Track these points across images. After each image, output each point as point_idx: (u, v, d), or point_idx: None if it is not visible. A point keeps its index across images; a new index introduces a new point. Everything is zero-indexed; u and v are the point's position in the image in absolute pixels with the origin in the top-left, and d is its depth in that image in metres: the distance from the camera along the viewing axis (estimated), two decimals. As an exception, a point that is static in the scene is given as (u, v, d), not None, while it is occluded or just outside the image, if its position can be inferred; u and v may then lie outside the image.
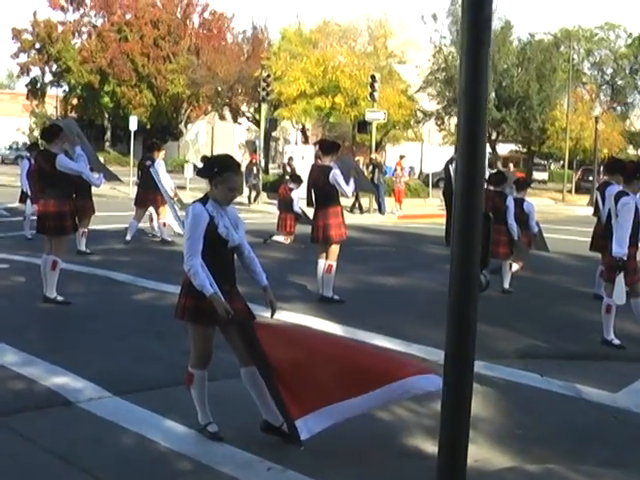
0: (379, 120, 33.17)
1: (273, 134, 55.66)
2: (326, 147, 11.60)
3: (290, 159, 32.52)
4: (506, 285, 13.03)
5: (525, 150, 69.55)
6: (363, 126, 34.62)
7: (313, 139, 65.15)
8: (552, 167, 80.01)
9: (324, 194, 11.34)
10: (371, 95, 32.14)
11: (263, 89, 32.45)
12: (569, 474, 5.74)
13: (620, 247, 9.32)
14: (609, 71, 68.73)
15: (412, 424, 6.71)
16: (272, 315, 6.27)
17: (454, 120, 56.92)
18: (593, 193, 45.25)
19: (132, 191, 30.09)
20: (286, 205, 18.60)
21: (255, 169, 31.80)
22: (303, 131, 58.07)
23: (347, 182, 11.31)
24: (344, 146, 68.62)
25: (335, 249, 11.45)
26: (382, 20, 50.77)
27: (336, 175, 11.14)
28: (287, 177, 31.27)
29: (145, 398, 6.94)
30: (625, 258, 9.36)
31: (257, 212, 28.23)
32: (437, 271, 15.27)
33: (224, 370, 6.93)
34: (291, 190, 18.95)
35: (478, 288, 4.05)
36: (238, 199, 23.69)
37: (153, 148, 17.27)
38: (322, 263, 11.43)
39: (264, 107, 34.94)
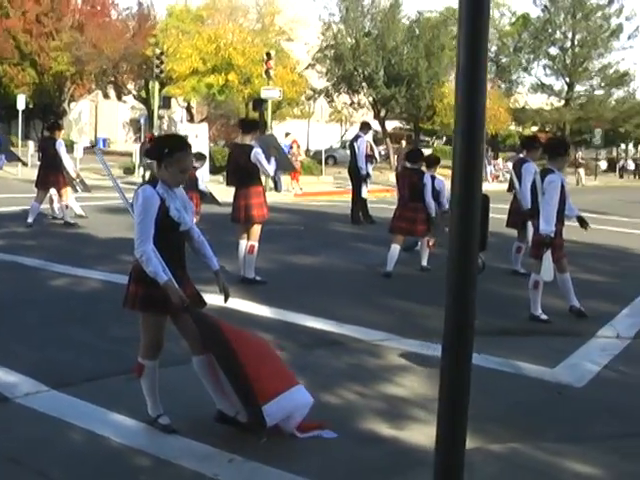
0: (274, 98, 32.92)
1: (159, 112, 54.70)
2: (247, 126, 11.36)
3: (185, 137, 31.94)
4: (424, 262, 13.05)
5: (408, 127, 70.38)
6: (258, 104, 34.33)
7: (198, 117, 64.44)
8: (435, 144, 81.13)
9: (246, 173, 11.09)
10: (266, 72, 31.83)
11: (157, 66, 31.80)
12: (534, 452, 5.71)
13: (547, 224, 9.39)
14: (493, 49, 69.94)
15: (362, 408, 6.58)
16: (225, 300, 6.04)
17: (343, 97, 57.15)
18: (481, 169, 46.22)
19: (20, 172, 29.23)
20: (191, 184, 18.14)
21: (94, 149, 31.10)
22: (188, 109, 57.32)
23: (268, 161, 11.09)
24: (229, 124, 68.30)
25: (257, 229, 11.24)
26: (271, -3, 50.41)
27: (257, 154, 10.91)
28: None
29: (85, 391, 6.60)
30: (552, 235, 9.44)
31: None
32: (349, 249, 15.27)
33: (165, 358, 6.63)
34: (195, 169, 18.48)
35: (476, 271, 3.90)
36: (133, 179, 23.52)
37: (54, 128, 16.66)
38: (243, 244, 11.20)
39: (157, 85, 34.23)
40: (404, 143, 43.81)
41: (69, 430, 5.79)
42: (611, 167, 77.53)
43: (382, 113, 57.48)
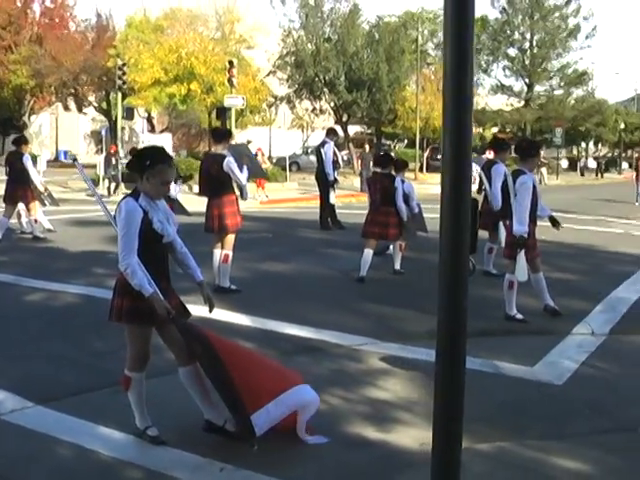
0: (238, 106, 32.90)
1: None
2: (219, 135, 11.35)
3: (132, 149, 31.79)
4: (397, 266, 13.11)
5: (369, 131, 70.61)
6: (222, 112, 34.28)
7: (159, 127, 64.24)
8: (397, 147, 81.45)
9: (218, 183, 11.08)
10: (229, 81, 31.84)
11: (119, 77, 31.66)
12: (521, 450, 5.79)
13: (521, 225, 9.50)
14: (452, 51, 70.44)
15: (347, 412, 6.62)
16: (210, 310, 6.05)
17: (305, 104, 57.26)
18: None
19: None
20: (161, 195, 18.15)
21: (114, 160, 31.00)
22: (149, 119, 57.13)
23: (241, 170, 11.11)
24: (190, 134, 68.18)
25: (231, 238, 11.24)
26: (229, 5, 50.32)
27: (230, 163, 10.92)
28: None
29: (70, 405, 6.58)
30: (526, 236, 9.54)
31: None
32: (320, 255, 15.31)
33: (149, 370, 6.62)
34: (165, 181, 18.49)
35: (468, 274, 3.95)
36: (97, 191, 23.28)
37: (21, 142, 16.52)
38: (218, 253, 11.21)
39: (119, 96, 34.05)
40: (367, 148, 43.99)
41: (57, 445, 5.77)
42: (572, 166, 78.30)
43: (344, 118, 57.62)
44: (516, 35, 66.95)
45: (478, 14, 67.62)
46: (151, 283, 5.49)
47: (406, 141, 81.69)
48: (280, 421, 5.79)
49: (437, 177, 45.50)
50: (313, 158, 57.02)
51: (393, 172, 12.81)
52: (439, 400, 3.99)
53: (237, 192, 11.53)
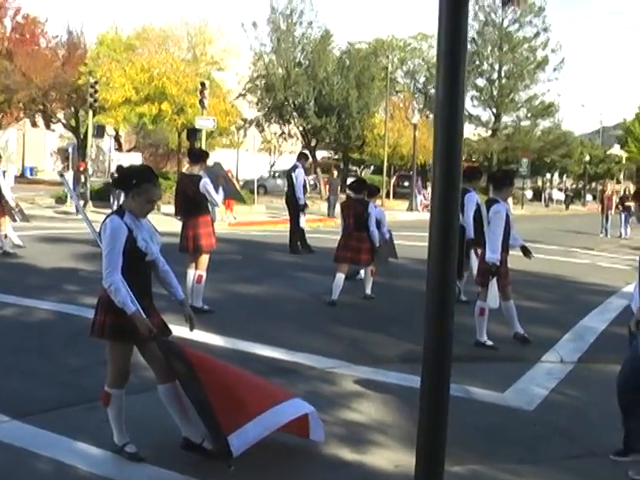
0: (209, 127, 32.98)
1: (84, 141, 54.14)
2: (195, 156, 11.42)
3: (118, 167, 31.67)
4: (368, 291, 13.20)
5: (336, 157, 70.92)
6: (193, 133, 34.35)
7: (126, 146, 64.17)
8: (364, 174, 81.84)
9: (194, 203, 11.14)
10: (201, 102, 31.92)
11: (91, 95, 31.63)
12: (495, 473, 5.92)
13: (493, 253, 9.64)
14: (422, 79, 71.18)
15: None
16: (191, 329, 6.10)
17: (273, 127, 57.43)
18: (412, 198, 46.88)
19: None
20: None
21: (83, 177, 30.88)
22: (117, 138, 57.04)
23: (217, 191, 11.18)
24: (157, 153, 68.16)
25: (205, 259, 11.29)
26: (201, 27, 50.44)
27: (206, 184, 10.99)
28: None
29: (47, 420, 6.59)
30: (498, 264, 9.68)
31: (86, 222, 27.31)
32: (291, 278, 15.36)
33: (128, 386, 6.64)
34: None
35: (454, 299, 4.05)
36: (65, 208, 23.20)
37: (-7, 157, 16.48)
38: (192, 273, 11.25)
39: (90, 114, 33.97)
40: (335, 173, 44.18)
41: (35, 461, 5.78)
42: (536, 196, 79.08)
43: (312, 143, 57.84)
44: (485, 66, 67.78)
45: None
46: (134, 301, 5.54)
47: (372, 167, 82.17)
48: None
49: (403, 204, 45.78)
50: (280, 182, 57.72)
51: (366, 198, 12.93)
52: (423, 424, 4.08)
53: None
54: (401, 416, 7.32)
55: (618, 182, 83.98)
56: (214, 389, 5.65)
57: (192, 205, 11.16)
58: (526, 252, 10.65)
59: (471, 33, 66.89)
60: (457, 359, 9.41)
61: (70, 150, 52.22)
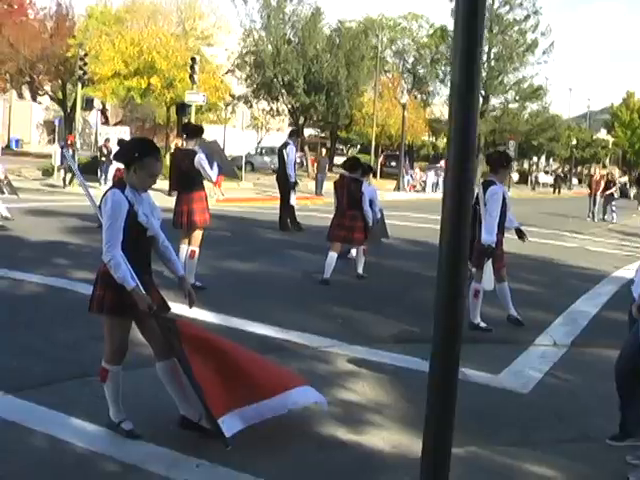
0: (198, 102, 32.79)
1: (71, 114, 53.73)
2: (191, 131, 11.31)
3: (107, 140, 31.57)
4: (360, 270, 13.16)
5: (323, 135, 70.77)
6: (182, 108, 34.17)
7: (113, 120, 63.74)
8: (350, 152, 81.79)
9: (189, 179, 11.05)
10: (191, 77, 31.74)
11: (80, 68, 31.38)
12: (493, 456, 5.90)
13: (489, 234, 9.59)
14: (411, 60, 70.94)
15: (319, 413, 6.61)
16: (190, 305, 6.04)
17: (262, 104, 57.21)
18: (399, 178, 46.83)
19: None
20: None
21: (71, 150, 30.67)
22: (103, 111, 56.63)
23: (211, 167, 11.09)
24: (144, 127, 67.81)
25: (198, 235, 11.22)
26: (192, 1, 50.11)
27: (201, 159, 10.89)
28: (103, 158, 30.44)
29: (40, 395, 6.50)
30: (494, 245, 9.65)
31: (73, 194, 27.18)
32: (282, 256, 15.32)
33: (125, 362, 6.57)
34: (120, 170, 18.30)
35: (465, 283, 4.00)
36: (52, 181, 23.08)
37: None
38: (185, 248, 11.18)
39: (79, 86, 33.68)
40: (324, 152, 44.13)
41: (29, 436, 5.71)
42: (522, 179, 79.14)
43: (300, 121, 57.65)
44: (475, 47, 67.31)
45: (437, 24, 68.35)
46: (134, 277, 5.46)
47: (359, 146, 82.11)
48: None
49: (390, 184, 45.75)
50: (267, 159, 57.64)
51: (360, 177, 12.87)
52: (433, 403, 4.04)
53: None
54: (396, 397, 7.29)
55: (604, 166, 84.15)
56: (207, 370, 5.62)
57: (186, 180, 11.07)
58: (521, 235, 10.61)
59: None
60: (450, 340, 9.49)
61: (57, 123, 51.78)
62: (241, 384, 5.82)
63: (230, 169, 12.64)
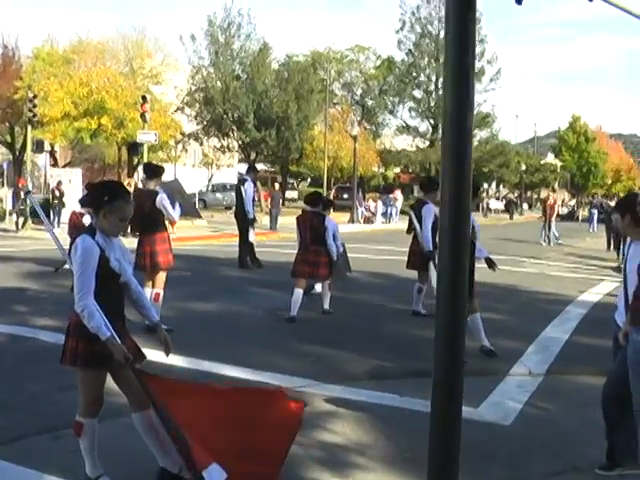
0: (150, 141, 32.55)
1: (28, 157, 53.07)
2: (151, 171, 11.12)
3: (59, 183, 31.19)
4: (326, 306, 12.98)
5: (272, 169, 70.81)
6: (134, 148, 33.92)
7: (62, 161, 63.12)
8: (300, 186, 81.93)
9: (150, 220, 10.84)
10: (142, 116, 31.47)
11: (29, 110, 31.00)
12: (485, 495, 5.72)
13: (428, 243, 9.51)
14: (359, 92, 71.35)
15: (301, 456, 6.43)
16: (167, 353, 5.82)
17: (212, 141, 57.09)
18: (353, 210, 46.81)
19: None
20: (78, 231, 17.59)
21: (22, 194, 30.22)
22: (52, 153, 56.08)
23: (173, 207, 10.89)
24: (94, 168, 67.33)
25: (162, 276, 11.01)
26: (139, 40, 49.91)
27: (163, 200, 10.71)
28: (55, 201, 30.01)
29: (10, 451, 6.22)
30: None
31: (26, 239, 26.78)
32: (245, 294, 15.11)
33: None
34: (82, 215, 17.99)
35: (465, 316, 3.88)
36: (3, 226, 22.70)
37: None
38: (148, 291, 10.91)
39: (29, 129, 33.27)
40: (277, 186, 44.01)
41: (4, 496, 5.45)
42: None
43: (252, 156, 57.58)
44: (422, 77, 68.03)
45: (384, 55, 68.92)
46: (108, 326, 5.23)
47: (309, 180, 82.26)
48: None
49: (344, 216, 45.62)
50: (220, 195, 57.37)
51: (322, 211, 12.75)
52: (435, 442, 3.90)
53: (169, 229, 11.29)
54: (377, 435, 7.12)
55: (553, 190, 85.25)
56: (188, 422, 5.39)
57: (148, 221, 10.85)
58: (491, 264, 10.55)
59: (407, 45, 67.37)
60: (424, 374, 9.30)
61: (5, 166, 51.10)
62: (214, 437, 5.61)
63: (192, 208, 12.45)
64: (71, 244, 5.51)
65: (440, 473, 3.90)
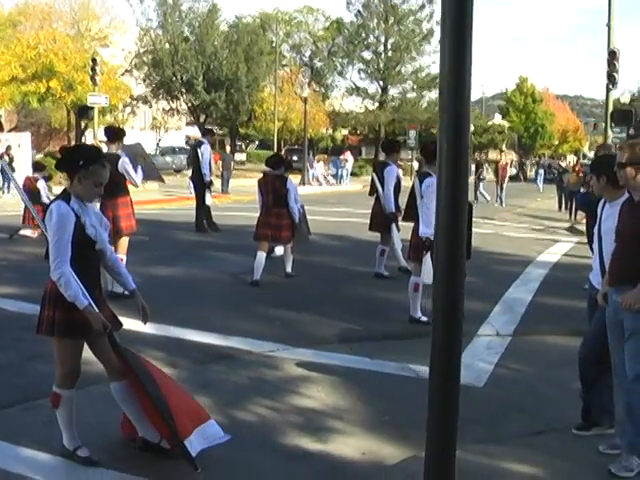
0: (101, 104, 32.03)
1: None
2: (113, 134, 10.88)
3: (8, 147, 30.57)
4: (289, 269, 12.90)
5: (221, 132, 70.20)
6: (84, 111, 33.29)
7: (7, 126, 61.96)
8: (249, 148, 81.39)
9: (112, 184, 10.37)
10: (92, 79, 30.94)
11: (-24, 73, 30.41)
12: (464, 455, 5.61)
13: (427, 227, 9.44)
14: (308, 53, 70.88)
15: (279, 423, 6.43)
16: (145, 321, 5.71)
17: (161, 104, 56.39)
18: (304, 172, 46.64)
19: None
20: (33, 197, 17.32)
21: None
22: (-2, 118, 54.99)
23: (135, 170, 10.69)
24: (40, 132, 66.22)
25: (125, 242, 10.85)
26: (85, 1, 48.95)
27: (125, 163, 10.50)
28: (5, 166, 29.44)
29: (-18, 424, 6.09)
30: (432, 238, 9.49)
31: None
32: (206, 258, 14.97)
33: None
34: (37, 180, 17.70)
35: (464, 278, 3.83)
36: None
37: None
38: (111, 258, 10.73)
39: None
40: (228, 148, 43.71)
41: (-22, 471, 5.31)
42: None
43: (201, 119, 57.01)
44: (371, 38, 67.58)
45: (334, 17, 68.44)
46: (85, 294, 5.10)
47: (257, 142, 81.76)
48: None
49: (294, 178, 45.46)
50: (169, 159, 56.77)
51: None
52: (434, 411, 3.88)
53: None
54: (353, 400, 7.09)
55: (502, 151, 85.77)
56: (167, 392, 5.36)
57: (110, 185, 10.39)
58: None
59: (357, 6, 66.89)
60: (391, 336, 9.40)
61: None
62: (190, 405, 5.61)
63: (154, 172, 12.21)
64: (45, 211, 5.35)
65: (440, 439, 3.87)
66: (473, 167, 34.39)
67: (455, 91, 3.57)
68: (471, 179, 34.19)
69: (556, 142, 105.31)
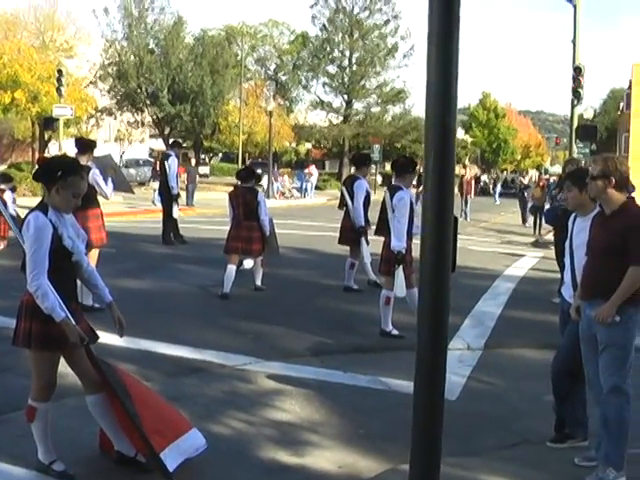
0: (66, 116, 31.83)
1: None
2: (82, 146, 10.81)
3: (40, 158, 30.29)
4: (258, 282, 12.86)
5: (185, 145, 69.99)
6: (50, 122, 33.08)
7: (-30, 137, 61.33)
8: (212, 161, 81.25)
9: (83, 196, 10.52)
10: (58, 90, 30.75)
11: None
12: (442, 469, 5.71)
13: (399, 241, 9.50)
14: (272, 67, 70.99)
15: (255, 436, 6.42)
16: (121, 334, 5.68)
17: (126, 116, 56.15)
18: (268, 185, 46.61)
19: None
20: (-2, 207, 17.17)
21: None
22: (-41, 129, 54.51)
23: (106, 182, 10.64)
24: (2, 144, 65.67)
25: (94, 254, 10.76)
26: (50, 13, 48.70)
27: (95, 175, 10.43)
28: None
29: (-45, 439, 6.00)
30: (404, 252, 9.55)
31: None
32: (174, 271, 14.90)
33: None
34: (3, 191, 17.52)
35: (449, 292, 3.86)
36: None
37: None
38: (80, 270, 10.66)
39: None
40: (193, 161, 43.53)
41: (-48, 485, 5.24)
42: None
43: (166, 131, 56.83)
44: (336, 53, 67.77)
45: (299, 30, 68.59)
46: (62, 306, 5.07)
47: (220, 155, 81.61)
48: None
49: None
50: (133, 171, 56.48)
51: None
52: (419, 424, 3.90)
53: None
54: (328, 413, 7.10)
55: (464, 166, 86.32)
56: (143, 406, 5.33)
57: (81, 197, 10.54)
58: None
59: (322, 20, 67.06)
60: (362, 350, 9.40)
61: None
62: (168, 417, 5.58)
63: (124, 184, 12.14)
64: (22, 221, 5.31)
65: (423, 452, 3.88)
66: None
67: (443, 101, 3.59)
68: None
69: (519, 157, 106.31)
